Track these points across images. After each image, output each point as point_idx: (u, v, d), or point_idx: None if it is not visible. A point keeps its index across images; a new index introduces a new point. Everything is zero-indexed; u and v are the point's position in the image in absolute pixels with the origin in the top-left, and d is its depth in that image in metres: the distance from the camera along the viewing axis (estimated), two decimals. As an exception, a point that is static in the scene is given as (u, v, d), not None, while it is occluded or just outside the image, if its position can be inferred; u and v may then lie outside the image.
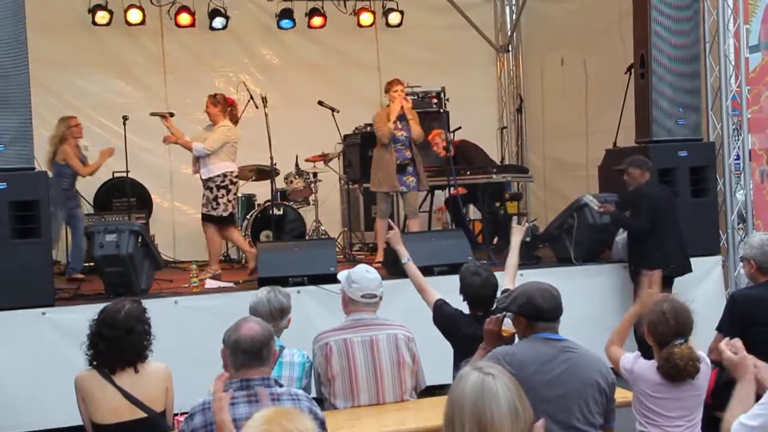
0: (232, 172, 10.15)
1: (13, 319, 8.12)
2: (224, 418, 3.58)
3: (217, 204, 10.03)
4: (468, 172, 11.20)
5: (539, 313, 4.61)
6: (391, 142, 10.35)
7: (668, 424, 4.86)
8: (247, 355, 4.13)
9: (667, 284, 8.94)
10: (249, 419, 3.84)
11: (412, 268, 6.39)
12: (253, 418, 2.93)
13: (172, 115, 10.20)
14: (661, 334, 4.82)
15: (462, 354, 5.59)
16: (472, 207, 12.43)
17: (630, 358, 5.02)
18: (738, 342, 3.99)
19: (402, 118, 10.38)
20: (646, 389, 4.89)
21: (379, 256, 10.29)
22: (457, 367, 5.69)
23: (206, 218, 10.18)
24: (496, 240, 11.54)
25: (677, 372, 4.76)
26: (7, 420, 7.96)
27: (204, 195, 10.10)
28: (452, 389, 3.31)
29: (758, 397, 3.38)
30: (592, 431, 4.48)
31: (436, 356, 5.82)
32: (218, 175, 10.01)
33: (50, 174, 9.83)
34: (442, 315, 5.92)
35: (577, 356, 4.54)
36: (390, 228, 7.11)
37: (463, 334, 5.65)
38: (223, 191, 10.04)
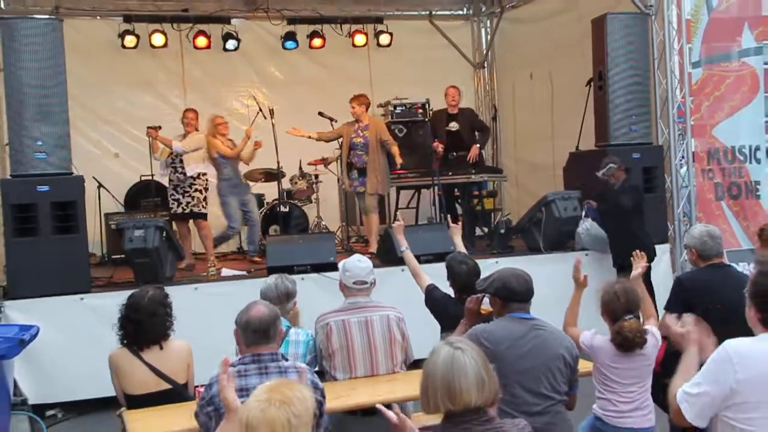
0: (208, 174, 10.36)
1: (55, 303, 8.16)
2: (227, 395, 3.61)
3: (206, 204, 10.28)
4: (450, 173, 11.20)
5: (513, 295, 4.64)
6: (349, 148, 10.43)
7: (623, 390, 4.91)
8: (257, 334, 4.14)
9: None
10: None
11: (408, 256, 6.43)
12: (258, 387, 2.97)
13: (159, 128, 10.18)
14: (613, 311, 4.89)
15: (448, 331, 5.64)
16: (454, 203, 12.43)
17: (588, 335, 5.06)
18: (687, 317, 4.02)
19: (366, 127, 10.43)
20: (604, 361, 4.93)
21: (372, 247, 10.30)
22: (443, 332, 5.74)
23: (198, 216, 10.32)
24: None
25: (627, 342, 4.82)
26: (51, 391, 8.02)
27: (191, 195, 10.21)
28: (426, 362, 3.32)
29: (700, 367, 3.40)
30: (557, 397, 4.52)
31: (423, 333, 5.83)
32: (202, 178, 10.24)
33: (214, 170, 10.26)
34: (433, 298, 5.95)
35: (545, 333, 4.57)
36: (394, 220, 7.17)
37: (450, 314, 5.67)
38: (206, 193, 10.34)
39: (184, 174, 10.19)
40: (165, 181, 10.67)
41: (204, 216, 10.37)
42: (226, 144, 10.23)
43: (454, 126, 11.41)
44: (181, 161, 10.20)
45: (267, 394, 2.87)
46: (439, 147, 11.03)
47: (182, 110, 10.85)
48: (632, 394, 4.90)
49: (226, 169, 10.25)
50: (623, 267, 8.92)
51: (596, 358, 4.97)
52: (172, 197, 10.31)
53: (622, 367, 4.88)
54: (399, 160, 10.43)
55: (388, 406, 5.18)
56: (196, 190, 10.22)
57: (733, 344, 3.24)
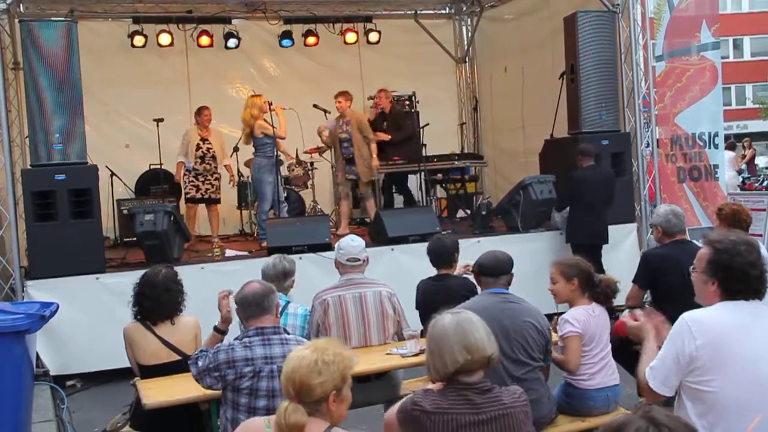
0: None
1: (73, 283, 8.15)
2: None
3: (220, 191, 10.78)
4: (435, 159, 11.20)
5: (482, 269, 4.82)
6: (339, 143, 10.63)
7: (588, 354, 4.93)
8: (252, 307, 4.21)
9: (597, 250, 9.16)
10: (264, 357, 4.02)
11: None
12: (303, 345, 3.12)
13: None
14: (591, 273, 5.01)
15: (427, 308, 5.69)
16: (438, 187, 12.45)
17: (572, 327, 4.92)
18: (637, 311, 4.05)
19: (348, 122, 10.55)
20: (591, 327, 4.93)
21: (343, 229, 10.43)
22: (424, 317, 5.78)
23: (217, 201, 10.77)
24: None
25: (609, 287, 4.98)
26: (70, 363, 8.02)
27: (211, 183, 10.61)
28: (432, 330, 3.32)
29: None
30: (534, 363, 4.57)
31: (410, 306, 5.87)
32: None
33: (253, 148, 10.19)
34: (417, 291, 6.00)
35: (516, 305, 4.68)
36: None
37: (426, 292, 5.86)
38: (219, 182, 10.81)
39: (211, 165, 10.59)
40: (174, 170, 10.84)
41: (219, 201, 10.84)
42: (267, 123, 10.15)
43: (385, 125, 11.49)
44: (213, 156, 10.60)
45: (312, 343, 3.06)
46: (381, 137, 11.14)
47: (187, 103, 10.88)
48: (596, 357, 4.94)
49: (270, 148, 10.18)
50: (578, 246, 9.00)
51: (586, 326, 4.92)
52: (192, 183, 10.55)
53: (588, 331, 4.92)
54: (375, 163, 10.50)
55: (381, 375, 5.26)
56: (216, 179, 10.63)
57: (689, 314, 3.27)
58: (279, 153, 10.46)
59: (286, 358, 3.03)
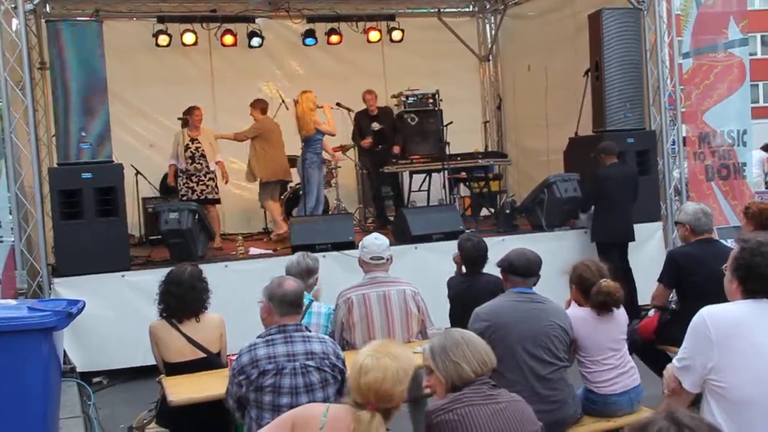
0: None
1: (99, 281, 8.24)
2: None
3: (218, 191, 10.67)
4: (459, 158, 11.19)
5: (511, 268, 4.79)
6: None
7: (603, 359, 4.89)
8: (293, 306, 4.20)
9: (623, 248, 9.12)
10: (287, 354, 4.01)
11: None
12: (370, 344, 3.21)
13: None
14: (588, 280, 4.90)
15: (457, 306, 5.71)
16: (462, 185, 12.45)
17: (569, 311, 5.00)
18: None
19: None
20: (581, 332, 4.87)
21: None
22: (452, 315, 5.81)
23: (214, 201, 10.61)
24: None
25: (608, 296, 4.81)
26: (96, 360, 8.11)
27: (205, 183, 10.46)
28: (446, 342, 3.44)
29: None
30: (559, 363, 4.57)
31: (435, 303, 5.88)
32: (213, 170, 10.56)
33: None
34: (448, 287, 6.07)
35: (541, 305, 4.68)
36: None
37: (456, 289, 5.93)
38: (216, 181, 10.65)
39: (202, 165, 10.39)
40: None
41: (218, 201, 10.66)
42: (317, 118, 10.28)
43: (376, 126, 11.53)
44: (202, 155, 10.39)
45: (380, 348, 3.11)
46: (367, 143, 11.39)
47: (211, 102, 10.91)
48: (612, 359, 4.90)
49: (319, 145, 10.38)
50: (604, 245, 8.96)
51: (576, 331, 4.87)
52: (186, 185, 10.39)
53: (598, 336, 4.88)
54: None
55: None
56: (210, 179, 10.44)
57: (707, 309, 3.23)
58: (323, 152, 10.53)
59: (359, 365, 3.08)
